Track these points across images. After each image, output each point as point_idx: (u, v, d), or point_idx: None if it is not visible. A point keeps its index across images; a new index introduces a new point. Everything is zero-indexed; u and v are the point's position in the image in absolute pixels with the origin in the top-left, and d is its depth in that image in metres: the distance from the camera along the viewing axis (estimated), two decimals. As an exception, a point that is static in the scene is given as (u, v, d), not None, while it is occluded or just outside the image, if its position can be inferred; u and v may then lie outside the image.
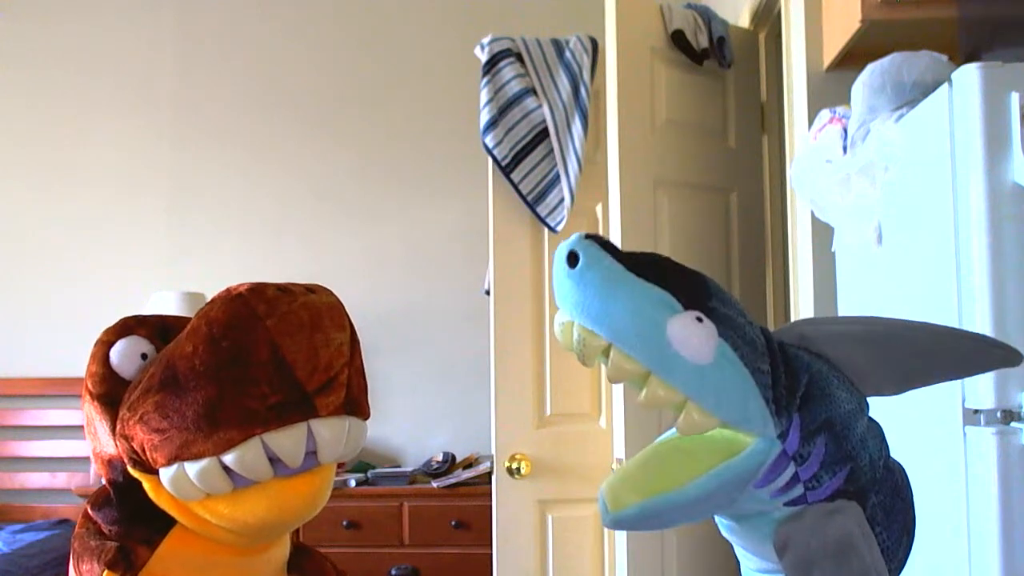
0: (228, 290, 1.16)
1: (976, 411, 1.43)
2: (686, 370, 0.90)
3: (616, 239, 2.48)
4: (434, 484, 3.70)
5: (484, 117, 2.87)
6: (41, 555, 3.41)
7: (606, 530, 2.83)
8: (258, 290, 1.13)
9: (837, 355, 1.01)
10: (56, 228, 4.34)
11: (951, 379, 1.08)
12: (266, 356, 1.11)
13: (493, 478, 2.85)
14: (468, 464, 3.86)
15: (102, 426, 1.27)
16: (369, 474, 3.81)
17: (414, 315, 4.20)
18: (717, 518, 1.04)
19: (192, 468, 1.16)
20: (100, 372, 1.27)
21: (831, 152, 1.89)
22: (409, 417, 4.17)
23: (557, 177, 2.86)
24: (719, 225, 2.76)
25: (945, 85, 1.52)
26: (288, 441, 1.14)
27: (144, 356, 1.27)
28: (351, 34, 4.35)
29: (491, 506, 2.86)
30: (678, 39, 2.64)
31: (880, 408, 1.06)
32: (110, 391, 1.26)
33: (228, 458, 1.14)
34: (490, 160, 2.88)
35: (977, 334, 1.12)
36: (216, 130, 4.34)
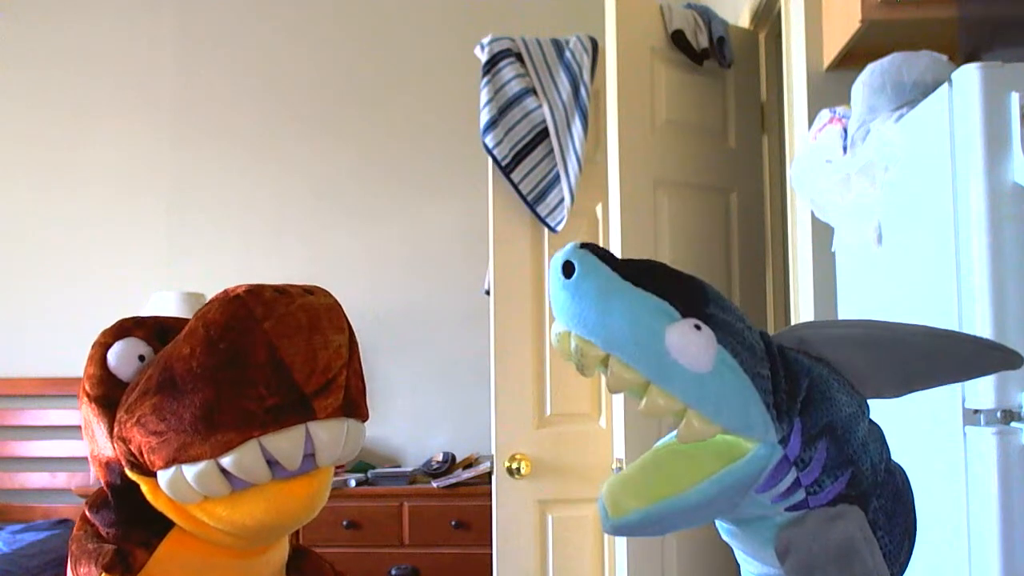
0: (226, 292, 1.15)
1: (976, 411, 1.43)
2: (685, 378, 0.90)
3: (616, 239, 2.48)
4: (434, 484, 3.70)
5: (484, 117, 2.87)
6: (41, 555, 3.41)
7: (606, 530, 2.83)
8: (256, 292, 1.13)
9: (837, 358, 1.01)
10: (56, 228, 4.34)
11: (951, 382, 1.08)
12: (264, 358, 1.10)
13: (493, 478, 2.85)
14: (468, 464, 3.86)
15: (99, 428, 1.27)
16: (369, 474, 3.81)
17: (414, 315, 4.20)
18: (718, 522, 1.04)
19: (190, 471, 1.15)
20: (97, 374, 1.26)
21: (831, 152, 1.88)
22: (409, 417, 4.17)
23: (557, 177, 2.86)
24: (719, 225, 2.76)
25: (945, 85, 1.52)
26: (286, 443, 1.13)
27: (141, 358, 1.26)
28: (351, 34, 4.35)
29: (491, 506, 2.86)
30: (678, 39, 2.64)
31: (880, 409, 1.06)
32: (107, 393, 1.26)
33: (226, 461, 1.13)
34: (490, 160, 2.88)
35: (977, 337, 1.12)
36: (216, 130, 4.34)
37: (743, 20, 2.98)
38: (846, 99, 1.91)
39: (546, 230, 2.88)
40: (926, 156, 1.59)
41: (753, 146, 2.88)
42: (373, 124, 4.31)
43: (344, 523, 3.62)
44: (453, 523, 3.60)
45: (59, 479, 4.15)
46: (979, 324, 1.41)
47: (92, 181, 4.35)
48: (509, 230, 2.89)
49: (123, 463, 1.24)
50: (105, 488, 1.30)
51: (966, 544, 1.43)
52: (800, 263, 2.35)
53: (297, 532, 1.48)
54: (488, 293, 3.04)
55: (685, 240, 2.62)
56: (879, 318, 1.70)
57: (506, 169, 2.85)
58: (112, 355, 1.27)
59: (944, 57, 1.78)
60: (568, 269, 0.90)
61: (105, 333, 1.30)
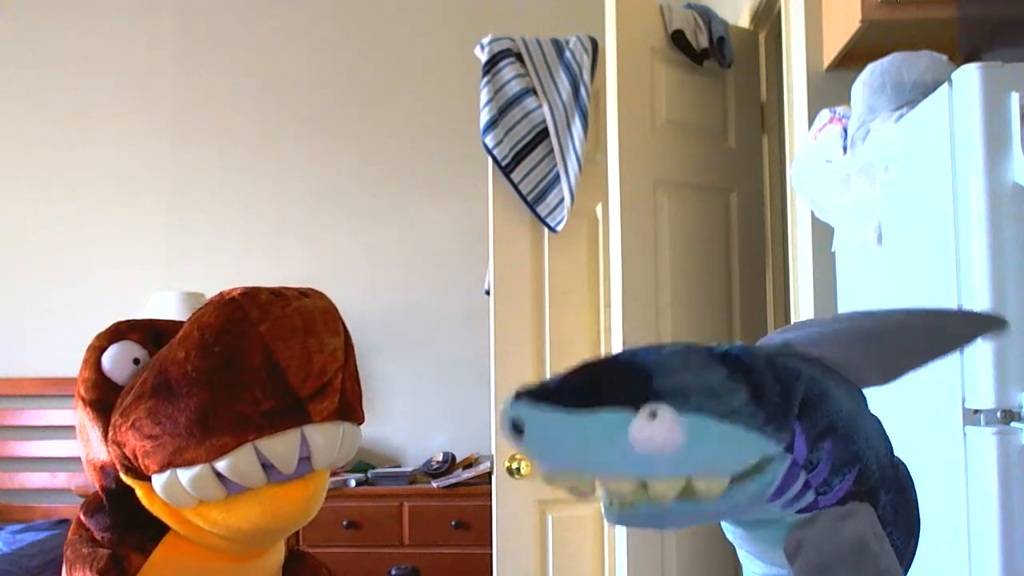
0: (221, 294, 1.14)
1: (976, 411, 1.42)
2: (669, 463, 0.90)
3: (616, 239, 2.48)
4: (434, 484, 3.70)
5: (484, 117, 2.87)
6: (41, 555, 3.41)
7: (606, 530, 2.83)
8: (251, 294, 1.12)
9: (827, 356, 1.00)
10: (56, 228, 4.34)
11: (940, 358, 1.06)
12: (259, 361, 1.09)
13: (493, 478, 2.85)
14: (468, 464, 3.86)
15: (94, 432, 1.26)
16: (369, 474, 3.81)
17: (414, 315, 4.20)
18: (723, 523, 1.04)
19: (185, 475, 1.15)
20: (92, 378, 1.26)
21: (831, 152, 1.88)
22: (409, 417, 4.17)
23: (557, 177, 2.86)
24: (719, 225, 2.76)
25: (945, 85, 1.51)
26: (281, 447, 1.13)
27: (136, 361, 1.26)
28: (351, 34, 4.35)
29: (491, 506, 2.86)
30: (678, 39, 2.64)
31: (880, 409, 1.06)
32: (102, 397, 1.25)
33: (221, 465, 1.13)
34: (490, 160, 2.88)
35: (957, 310, 1.11)
36: (216, 130, 4.34)
37: (743, 20, 2.98)
38: (846, 99, 1.91)
39: (546, 230, 2.88)
40: (926, 156, 1.59)
41: (753, 146, 2.88)
42: (373, 124, 4.31)
43: (344, 523, 3.62)
44: (453, 523, 3.60)
45: (59, 479, 4.15)
46: (979, 324, 1.41)
47: (92, 181, 4.35)
48: (509, 230, 2.89)
49: (118, 467, 1.24)
50: (100, 492, 1.30)
51: (966, 544, 1.43)
52: (800, 263, 2.35)
53: (297, 533, 1.48)
54: (488, 293, 3.04)
55: (685, 240, 2.62)
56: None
57: (506, 169, 2.85)
58: (107, 359, 1.26)
59: (944, 57, 1.78)
60: (516, 429, 0.90)
61: (99, 336, 1.29)
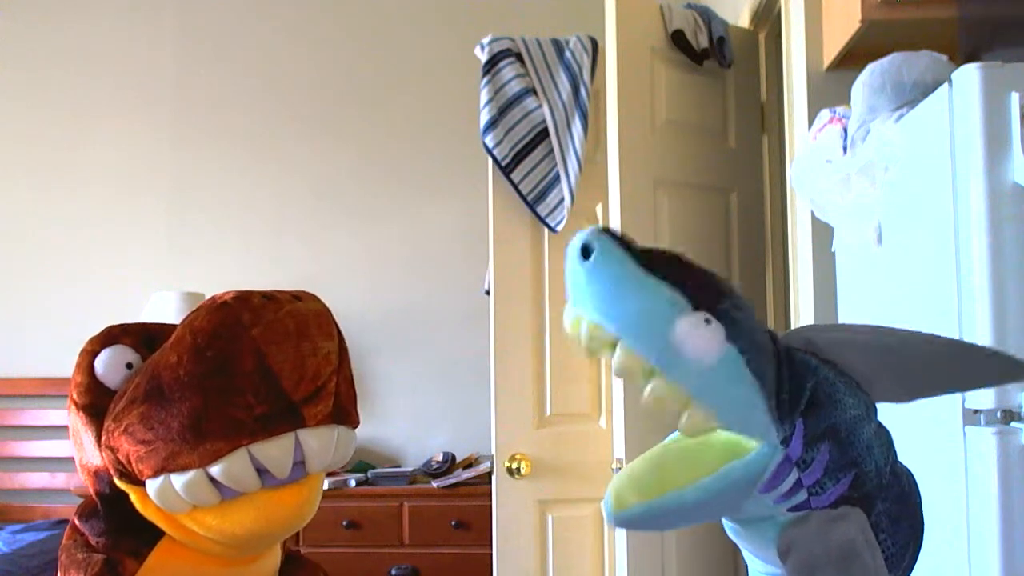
0: (213, 299, 1.14)
1: (976, 411, 1.42)
2: (690, 370, 0.90)
3: (616, 239, 2.47)
4: (434, 484, 3.70)
5: (484, 117, 2.87)
6: (41, 555, 3.41)
7: (606, 530, 2.83)
8: (243, 298, 1.12)
9: (843, 361, 1.01)
10: (56, 228, 4.34)
11: (957, 391, 1.08)
12: (251, 366, 1.09)
13: (493, 478, 2.85)
14: (468, 464, 3.86)
15: (87, 436, 1.25)
16: (369, 474, 3.81)
17: (414, 315, 4.19)
18: (724, 521, 1.04)
19: (178, 480, 1.15)
20: (85, 382, 1.25)
21: (831, 152, 1.88)
22: (409, 417, 4.17)
23: (557, 177, 2.86)
24: (719, 225, 2.76)
25: (945, 85, 1.51)
26: (275, 451, 1.12)
27: (129, 365, 1.25)
28: (351, 34, 4.35)
29: (491, 506, 2.86)
30: (678, 39, 2.64)
31: (880, 409, 1.06)
32: (95, 401, 1.25)
33: (215, 469, 1.12)
34: (490, 160, 2.88)
35: (984, 347, 1.12)
36: (216, 130, 4.34)
37: (743, 20, 2.98)
38: (846, 99, 1.91)
39: (546, 230, 2.88)
40: (926, 156, 1.59)
41: (753, 146, 2.88)
42: (373, 124, 4.30)
43: (344, 523, 3.62)
44: (453, 523, 3.60)
45: (59, 479, 4.15)
46: (979, 324, 1.41)
47: (92, 181, 4.35)
48: (509, 230, 2.89)
49: (111, 472, 1.23)
50: (94, 497, 1.29)
51: (966, 544, 1.43)
52: (800, 263, 2.35)
53: (297, 533, 1.48)
54: (488, 293, 3.04)
55: (685, 240, 2.62)
56: (879, 318, 1.71)
57: (506, 169, 2.85)
58: (99, 363, 1.25)
59: (944, 57, 1.78)
60: (585, 251, 0.90)
61: (92, 340, 1.29)
